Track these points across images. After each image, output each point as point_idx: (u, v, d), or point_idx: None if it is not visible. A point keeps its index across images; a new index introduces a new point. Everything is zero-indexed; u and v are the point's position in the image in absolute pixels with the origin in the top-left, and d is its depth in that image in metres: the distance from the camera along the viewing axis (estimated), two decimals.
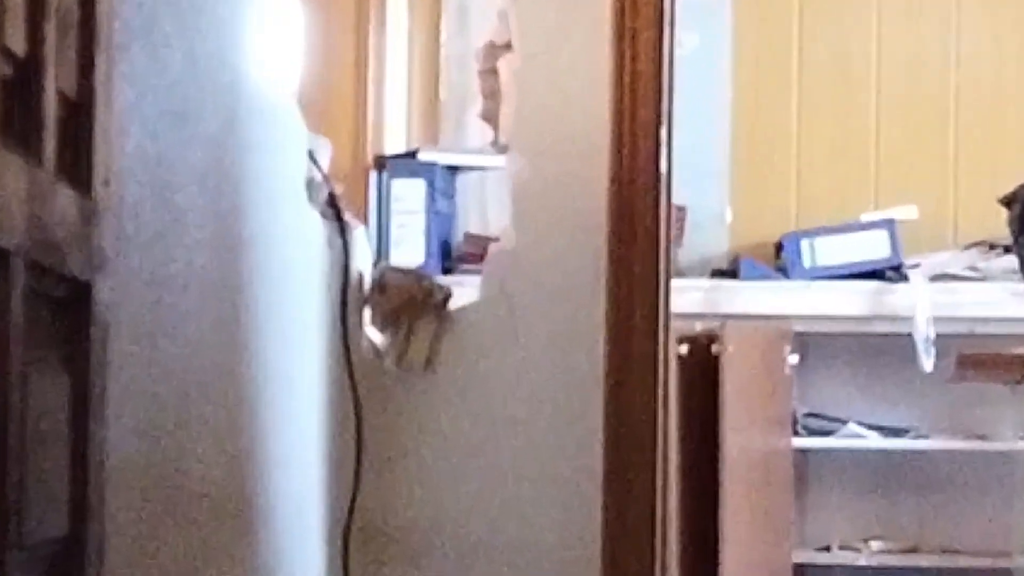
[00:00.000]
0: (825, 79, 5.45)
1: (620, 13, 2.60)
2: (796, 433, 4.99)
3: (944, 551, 5.01)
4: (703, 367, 4.49)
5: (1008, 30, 5.43)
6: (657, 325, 2.75)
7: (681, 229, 5.13)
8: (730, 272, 5.19)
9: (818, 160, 5.39)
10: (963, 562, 4.85)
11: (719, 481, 4.45)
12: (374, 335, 2.79)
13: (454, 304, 2.81)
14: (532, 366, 2.72)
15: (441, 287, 2.84)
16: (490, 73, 2.80)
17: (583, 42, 2.66)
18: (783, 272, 5.09)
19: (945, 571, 5.01)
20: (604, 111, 2.65)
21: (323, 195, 2.57)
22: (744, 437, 4.59)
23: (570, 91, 2.69)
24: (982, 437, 5.18)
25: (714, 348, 4.46)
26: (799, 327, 4.90)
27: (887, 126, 5.37)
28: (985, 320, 4.88)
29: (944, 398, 5.07)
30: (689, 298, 4.81)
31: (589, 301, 2.71)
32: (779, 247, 5.18)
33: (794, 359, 4.80)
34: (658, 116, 2.70)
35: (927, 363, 4.81)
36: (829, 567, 5.17)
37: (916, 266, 5.04)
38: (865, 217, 5.14)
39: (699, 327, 4.66)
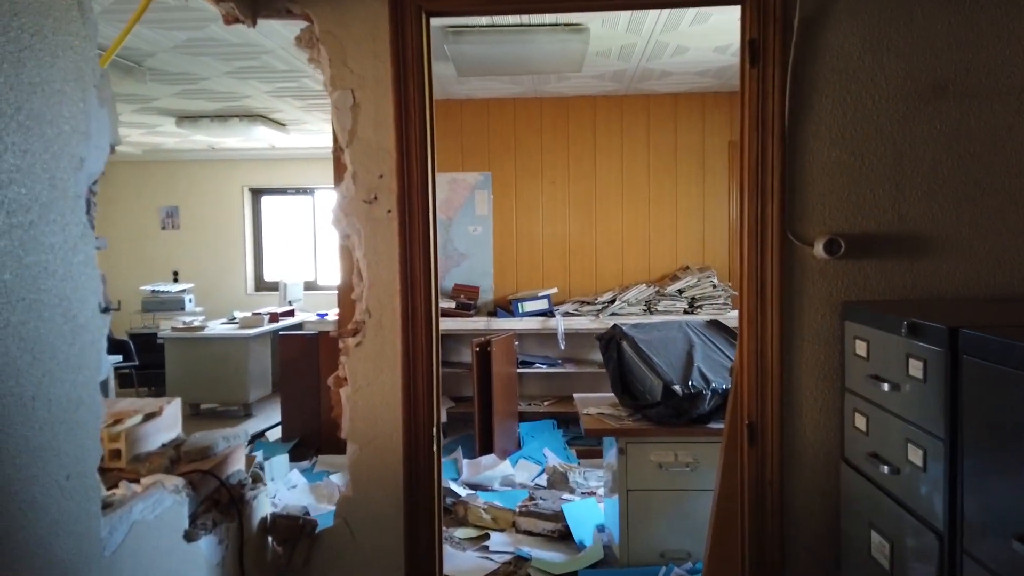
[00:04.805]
0: (524, 241, 5.96)
1: (406, 364, 2.33)
2: (518, 367, 5.48)
3: (568, 402, 5.14)
4: (485, 351, 4.93)
5: (587, 224, 5.94)
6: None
7: (477, 295, 5.81)
8: (493, 313, 5.78)
9: (524, 270, 5.97)
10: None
11: (491, 385, 4.92)
12: (276, 548, 2.49)
13: (320, 529, 2.50)
14: (363, 560, 2.43)
15: (310, 520, 2.50)
16: (336, 394, 2.43)
17: (387, 380, 2.37)
18: (512, 312, 5.61)
19: (571, 414, 4.98)
20: (398, 420, 2.36)
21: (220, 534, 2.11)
22: (501, 370, 5.03)
23: (379, 408, 2.38)
24: (581, 362, 5.73)
25: (490, 344, 4.92)
26: (519, 333, 5.49)
27: (547, 258, 5.94)
28: (579, 328, 5.45)
29: (566, 351, 5.67)
30: (478, 325, 5.50)
31: (394, 522, 2.40)
32: (510, 302, 5.66)
33: (517, 344, 5.41)
34: (430, 422, 2.39)
35: (562, 343, 5.48)
36: (528, 413, 5.54)
37: (556, 309, 5.62)
38: (539, 292, 5.68)
39: (483, 337, 5.01)
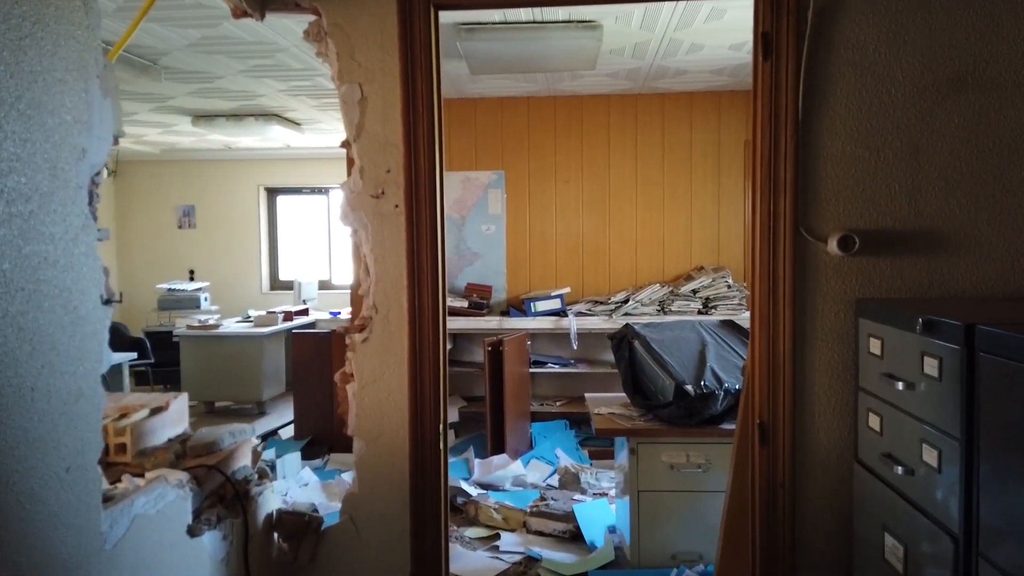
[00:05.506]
0: (537, 241, 5.92)
1: (413, 360, 2.27)
2: (530, 366, 5.43)
3: (580, 403, 5.05)
4: (497, 351, 4.90)
5: (600, 224, 5.88)
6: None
7: (490, 294, 5.80)
8: (506, 312, 5.75)
9: (537, 269, 5.92)
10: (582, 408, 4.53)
11: (503, 385, 4.88)
12: (282, 545, 2.44)
13: (325, 526, 2.46)
14: (369, 557, 2.39)
15: (316, 516, 2.44)
16: (343, 391, 2.37)
17: (394, 376, 2.31)
18: (524, 312, 5.58)
19: (584, 414, 4.90)
20: (404, 416, 2.31)
21: (224, 526, 2.07)
22: (513, 370, 4.99)
23: (386, 404, 2.33)
24: (594, 362, 5.73)
25: (502, 344, 4.89)
26: (532, 333, 5.45)
27: (561, 257, 5.89)
28: (592, 328, 5.42)
29: (579, 351, 5.63)
30: (490, 324, 5.49)
31: (400, 520, 2.35)
32: (523, 302, 5.63)
33: (530, 344, 5.37)
34: (437, 418, 2.32)
35: (575, 343, 5.45)
36: (541, 413, 5.48)
37: (569, 309, 5.58)
38: (552, 292, 5.66)
39: (495, 336, 4.99)
